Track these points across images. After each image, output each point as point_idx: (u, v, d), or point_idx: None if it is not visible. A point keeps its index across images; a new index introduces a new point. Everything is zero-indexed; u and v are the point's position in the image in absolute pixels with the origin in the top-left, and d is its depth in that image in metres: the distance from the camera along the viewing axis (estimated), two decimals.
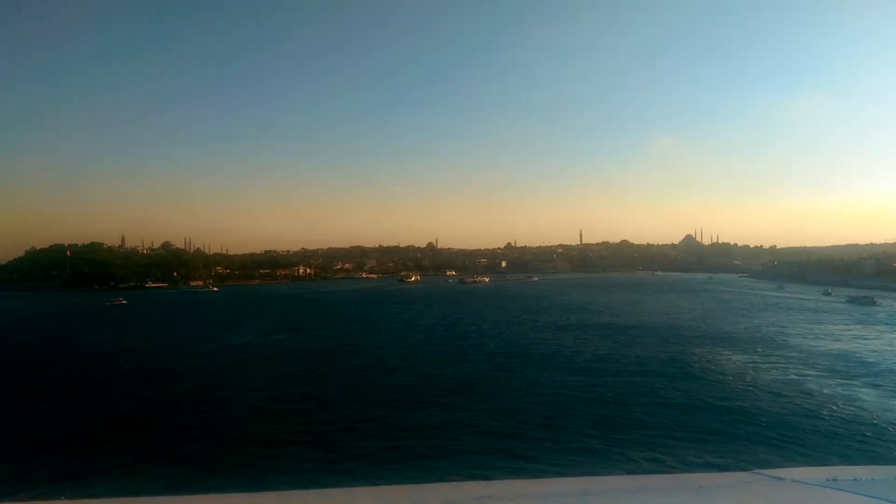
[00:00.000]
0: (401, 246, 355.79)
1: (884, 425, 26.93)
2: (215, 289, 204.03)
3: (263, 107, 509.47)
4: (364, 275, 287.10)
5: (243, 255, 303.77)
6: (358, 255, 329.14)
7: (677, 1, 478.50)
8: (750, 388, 34.90)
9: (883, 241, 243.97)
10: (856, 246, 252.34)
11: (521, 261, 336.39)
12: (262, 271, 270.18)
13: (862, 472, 3.22)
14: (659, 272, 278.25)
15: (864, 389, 34.90)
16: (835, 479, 2.91)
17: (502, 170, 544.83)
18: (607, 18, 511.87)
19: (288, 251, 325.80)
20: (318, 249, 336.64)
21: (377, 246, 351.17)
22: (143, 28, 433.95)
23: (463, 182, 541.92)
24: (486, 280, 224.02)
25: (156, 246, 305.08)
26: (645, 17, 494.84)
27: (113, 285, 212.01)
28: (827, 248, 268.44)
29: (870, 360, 45.53)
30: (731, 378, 38.12)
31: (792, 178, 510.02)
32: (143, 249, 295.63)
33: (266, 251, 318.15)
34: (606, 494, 3.30)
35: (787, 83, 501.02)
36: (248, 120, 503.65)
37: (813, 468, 3.31)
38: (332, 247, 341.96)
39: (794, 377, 38.58)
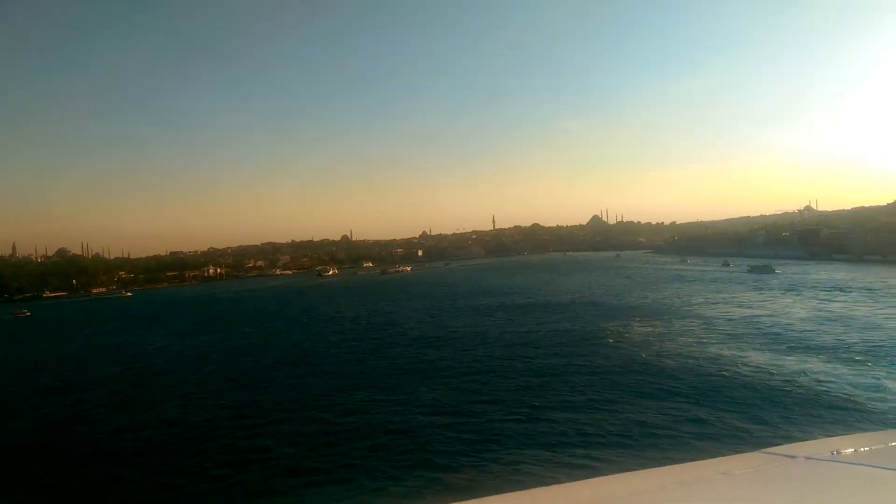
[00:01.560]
0: (315, 240, 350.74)
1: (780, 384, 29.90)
2: (128, 294, 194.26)
3: (160, 101, 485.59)
4: (278, 271, 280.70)
5: (147, 257, 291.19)
6: (270, 252, 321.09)
7: None
8: (662, 357, 37.60)
9: (772, 213, 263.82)
10: (748, 218, 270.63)
11: (437, 248, 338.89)
12: (168, 273, 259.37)
13: (864, 440, 3.35)
14: (570, 253, 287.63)
15: (764, 351, 38.38)
16: (838, 452, 3.03)
17: (414, 158, 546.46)
18: (514, 2, 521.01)
19: (195, 251, 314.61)
20: (228, 248, 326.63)
21: (290, 241, 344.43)
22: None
23: (374, 171, 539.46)
24: (409, 269, 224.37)
25: (50, 253, 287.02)
26: (552, 2, 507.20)
27: (7, 297, 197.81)
28: (722, 221, 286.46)
29: (768, 322, 49.92)
30: (646, 346, 40.88)
31: (687, 155, 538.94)
32: (36, 258, 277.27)
33: (171, 252, 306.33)
34: (621, 497, 3.19)
35: (680, 64, 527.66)
36: (144, 116, 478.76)
37: (816, 441, 3.37)
38: (243, 244, 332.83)
39: (698, 342, 41.89)
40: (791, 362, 34.18)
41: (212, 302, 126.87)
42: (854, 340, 39.74)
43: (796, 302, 63.45)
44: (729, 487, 3.07)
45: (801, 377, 30.29)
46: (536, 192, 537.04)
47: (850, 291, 69.85)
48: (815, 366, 32.93)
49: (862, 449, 3.11)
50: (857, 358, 34.34)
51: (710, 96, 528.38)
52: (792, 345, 39.68)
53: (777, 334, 44.08)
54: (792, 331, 45.24)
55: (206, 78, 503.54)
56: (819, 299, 64.15)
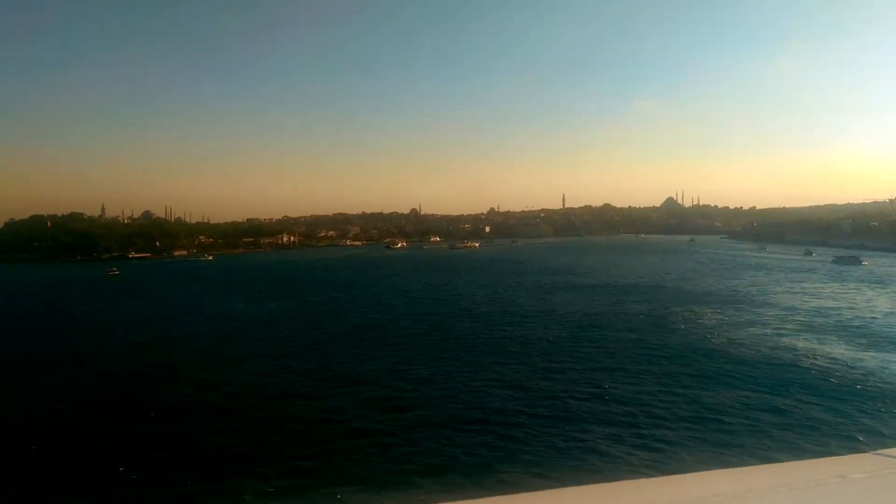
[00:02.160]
0: (384, 213, 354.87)
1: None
2: (209, 258, 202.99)
3: (241, 73, 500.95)
4: (348, 242, 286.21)
5: (226, 223, 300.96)
6: (341, 223, 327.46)
7: None
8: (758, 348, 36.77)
9: (860, 201, 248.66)
10: (833, 206, 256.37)
11: (504, 225, 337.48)
12: (245, 240, 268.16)
13: None
14: (643, 235, 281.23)
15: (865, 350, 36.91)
16: None
17: (485, 134, 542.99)
18: None
19: (270, 219, 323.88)
20: (301, 217, 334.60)
21: (360, 213, 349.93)
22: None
23: (445, 147, 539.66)
24: (477, 245, 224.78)
25: (136, 215, 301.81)
26: None
27: (95, 256, 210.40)
28: (805, 208, 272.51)
29: (849, 315, 47.81)
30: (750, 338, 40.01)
31: (769, 139, 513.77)
32: (123, 219, 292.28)
33: (248, 219, 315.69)
34: (725, 498, 2.96)
35: (766, 45, 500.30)
36: (227, 87, 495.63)
37: None
38: (315, 214, 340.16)
39: (774, 333, 40.67)
40: (871, 358, 32.81)
41: (288, 269, 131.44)
42: None
43: (881, 295, 60.31)
44: (846, 493, 2.81)
45: (881, 373, 29.09)
46: (609, 172, 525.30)
47: None
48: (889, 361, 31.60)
49: None
50: None
51: (796, 81, 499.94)
52: (875, 339, 38.00)
53: (858, 327, 42.26)
54: (875, 325, 43.23)
55: (285, 51, 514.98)
56: None
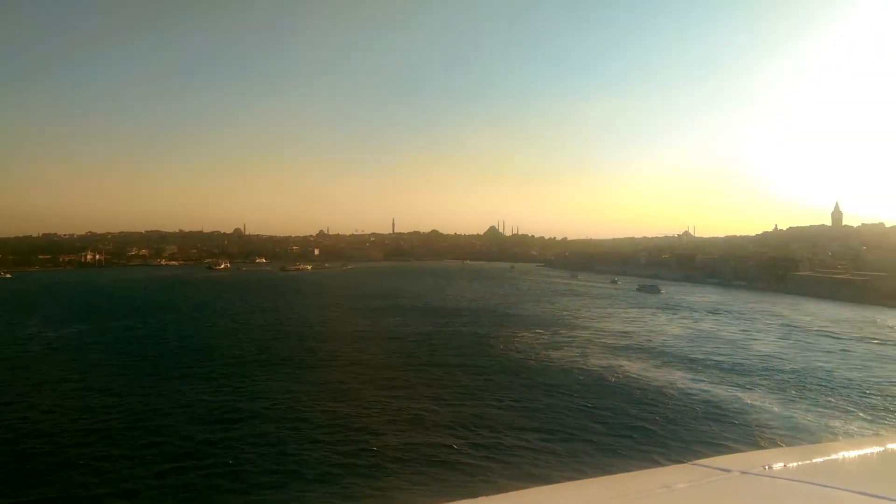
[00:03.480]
0: (205, 231, 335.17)
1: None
2: (8, 275, 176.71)
3: (31, 68, 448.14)
4: (164, 261, 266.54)
5: (17, 238, 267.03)
6: (156, 241, 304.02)
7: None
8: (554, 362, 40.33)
9: (654, 235, 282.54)
10: (632, 239, 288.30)
11: (334, 248, 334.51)
12: (41, 257, 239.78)
13: (792, 454, 3.48)
14: (468, 261, 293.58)
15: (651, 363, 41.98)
16: (770, 466, 3.08)
17: (313, 155, 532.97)
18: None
19: (72, 234, 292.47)
20: (109, 233, 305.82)
21: (178, 231, 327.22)
22: None
23: (271, 165, 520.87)
24: (309, 268, 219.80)
25: None
26: (465, 16, 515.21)
27: None
28: (609, 240, 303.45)
29: (646, 336, 54.38)
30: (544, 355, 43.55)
31: (580, 173, 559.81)
32: None
33: (45, 234, 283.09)
34: None
35: (587, 87, 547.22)
36: (21, 81, 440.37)
37: (745, 454, 3.42)
38: (125, 231, 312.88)
39: (582, 353, 45.18)
40: (663, 374, 37.86)
41: (94, 290, 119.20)
42: (720, 358, 44.47)
43: (673, 320, 69.26)
44: (672, 502, 3.06)
45: (671, 388, 33.72)
46: (437, 200, 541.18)
47: (720, 313, 76.89)
48: (682, 377, 36.81)
49: (792, 464, 3.15)
50: (723, 374, 38.65)
51: (604, 119, 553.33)
52: (666, 358, 43.75)
53: (652, 348, 48.38)
54: (667, 346, 49.77)
55: (100, 50, 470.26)
56: (692, 319, 70.32)
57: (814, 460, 3.32)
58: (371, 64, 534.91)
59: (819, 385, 35.86)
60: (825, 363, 43.43)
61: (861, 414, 29.94)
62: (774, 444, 24.17)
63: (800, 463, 3.21)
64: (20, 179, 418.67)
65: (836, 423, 28.17)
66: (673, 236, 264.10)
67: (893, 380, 38.22)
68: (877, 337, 58.36)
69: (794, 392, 33.96)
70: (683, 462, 3.83)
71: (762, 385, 35.50)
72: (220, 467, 21.40)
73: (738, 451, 21.54)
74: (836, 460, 3.10)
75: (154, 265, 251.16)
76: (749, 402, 31.30)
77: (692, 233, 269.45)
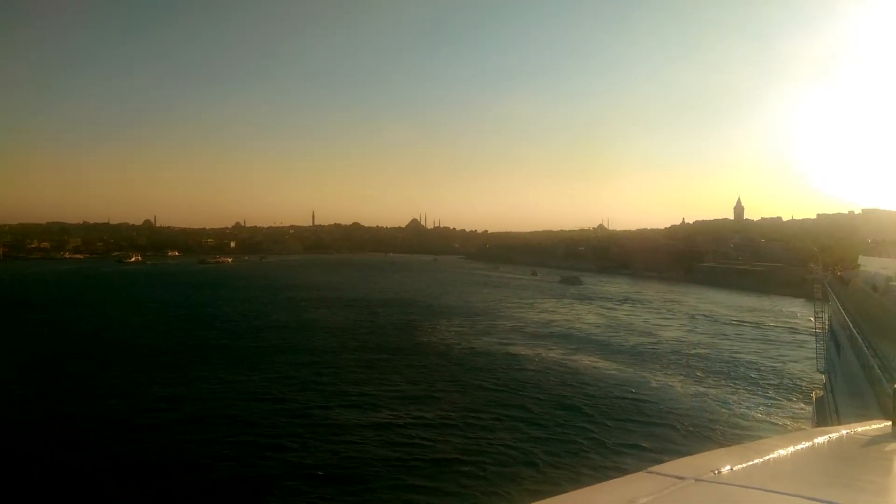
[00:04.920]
0: (111, 223, 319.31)
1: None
2: None
3: None
4: (67, 254, 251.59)
5: None
6: (57, 233, 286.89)
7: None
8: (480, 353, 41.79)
9: (570, 228, 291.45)
10: (550, 232, 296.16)
11: (251, 241, 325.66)
12: None
13: (735, 455, 3.24)
14: (391, 254, 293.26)
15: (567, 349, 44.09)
16: (719, 472, 2.95)
17: (227, 144, 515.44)
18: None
19: None
20: (6, 225, 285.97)
21: (82, 223, 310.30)
22: None
23: (185, 152, 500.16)
24: (230, 260, 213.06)
25: None
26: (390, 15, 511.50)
27: None
28: (527, 233, 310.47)
29: (566, 326, 56.90)
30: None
31: (499, 166, 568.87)
32: None
33: None
34: None
35: (506, 85, 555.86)
36: None
37: (693, 458, 3.18)
38: (24, 222, 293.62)
39: (505, 341, 46.98)
40: (582, 359, 40.09)
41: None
42: (634, 343, 47.39)
43: (590, 310, 72.51)
44: None
45: (591, 370, 35.82)
46: (358, 192, 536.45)
47: (633, 303, 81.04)
48: (603, 363, 39.13)
49: (737, 467, 3.05)
50: (639, 359, 41.35)
51: (521, 115, 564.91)
52: (585, 345, 46.21)
53: (570, 335, 50.92)
54: (585, 333, 52.39)
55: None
56: (607, 308, 73.91)
57: (754, 461, 3.24)
58: (292, 54, 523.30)
59: (722, 367, 39.02)
60: (728, 347, 47.10)
61: (761, 392, 32.93)
62: (690, 424, 26.02)
63: (744, 465, 3.11)
64: None
65: (735, 399, 30.91)
66: (588, 229, 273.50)
67: (787, 360, 41.90)
68: (774, 322, 63.49)
69: (699, 374, 36.86)
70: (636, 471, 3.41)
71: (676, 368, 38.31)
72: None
73: (657, 436, 23.50)
74: (773, 460, 3.26)
75: (57, 258, 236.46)
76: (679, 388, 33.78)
77: (606, 226, 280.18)
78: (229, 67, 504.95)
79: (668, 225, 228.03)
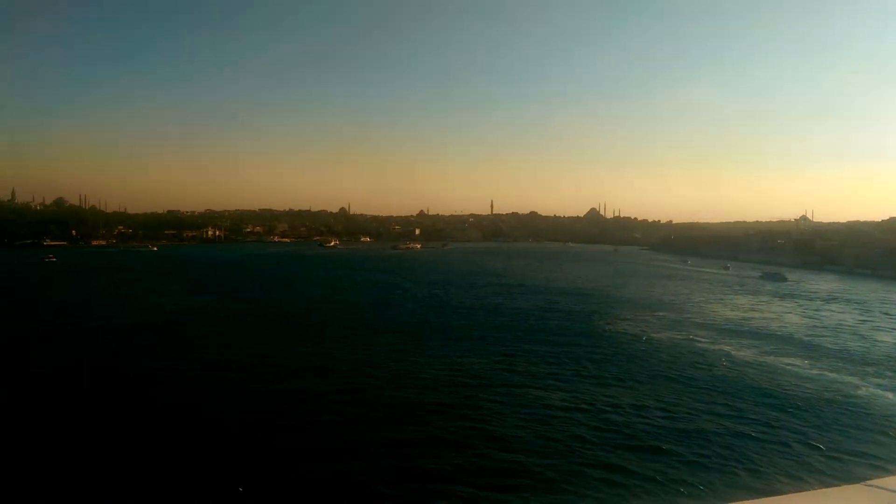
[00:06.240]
0: (312, 210, 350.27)
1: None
2: (154, 248, 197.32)
3: (164, 57, 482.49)
4: (276, 238, 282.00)
5: (145, 214, 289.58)
6: (268, 219, 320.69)
7: None
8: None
9: (767, 220, 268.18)
10: (742, 223, 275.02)
11: (434, 228, 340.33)
12: (167, 232, 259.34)
13: None
14: (570, 243, 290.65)
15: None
16: None
17: (416, 137, 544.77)
18: None
19: (193, 212, 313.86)
20: (226, 211, 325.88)
21: (287, 210, 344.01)
22: None
23: (375, 146, 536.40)
24: (419, 247, 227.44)
25: (48, 202, 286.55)
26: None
27: (7, 242, 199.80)
28: (716, 224, 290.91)
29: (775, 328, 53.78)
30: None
31: (686, 157, 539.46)
32: (35, 205, 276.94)
33: (169, 211, 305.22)
34: None
35: (684, 68, 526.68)
36: (148, 70, 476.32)
37: None
38: (240, 209, 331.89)
39: (695, 338, 45.82)
40: (781, 361, 38.11)
41: (235, 263, 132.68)
42: (842, 346, 43.80)
43: (791, 308, 67.06)
44: None
45: (792, 373, 34.19)
46: (535, 181, 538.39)
47: (842, 302, 73.52)
48: (805, 366, 36.91)
49: None
50: (849, 363, 38.40)
51: (712, 103, 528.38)
52: (785, 345, 43.69)
53: (769, 335, 48.07)
54: (786, 333, 49.17)
55: (213, 39, 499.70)
56: (812, 307, 67.68)
57: None
58: (470, 51, 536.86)
59: None
60: None
61: None
62: None
63: None
64: (147, 161, 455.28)
65: None
66: (788, 221, 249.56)
67: None
68: None
69: None
70: (852, 482, 3.45)
71: None
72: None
73: (876, 445, 21.90)
74: None
75: (268, 241, 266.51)
76: None
77: (810, 217, 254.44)
78: (410, 68, 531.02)
79: (884, 217, 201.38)
